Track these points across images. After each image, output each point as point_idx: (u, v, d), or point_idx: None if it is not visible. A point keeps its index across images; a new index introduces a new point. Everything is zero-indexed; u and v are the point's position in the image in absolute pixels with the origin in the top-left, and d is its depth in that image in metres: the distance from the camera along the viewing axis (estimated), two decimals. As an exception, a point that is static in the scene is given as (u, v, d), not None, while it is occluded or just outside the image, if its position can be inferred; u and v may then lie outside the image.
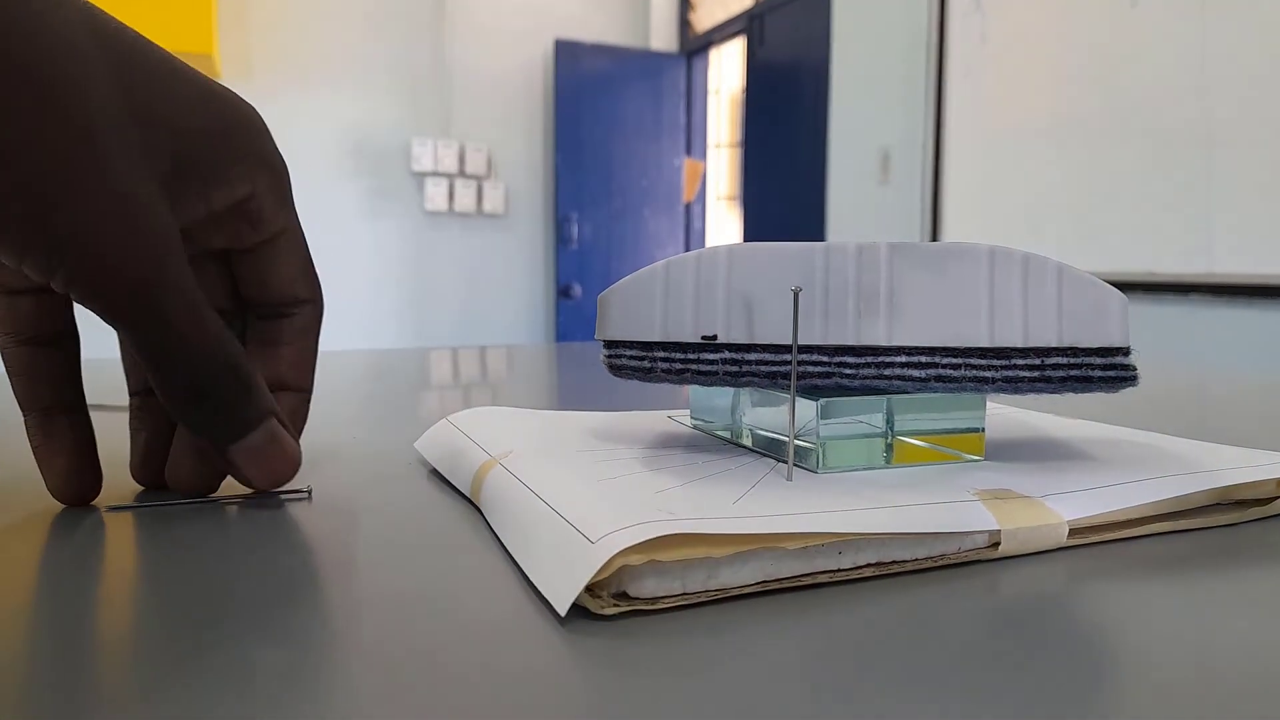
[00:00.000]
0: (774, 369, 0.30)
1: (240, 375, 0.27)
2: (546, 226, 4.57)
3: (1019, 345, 0.29)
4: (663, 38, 4.59)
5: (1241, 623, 0.21)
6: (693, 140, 4.67)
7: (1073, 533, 0.26)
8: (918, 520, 0.24)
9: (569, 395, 0.53)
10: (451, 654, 0.19)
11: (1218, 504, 0.29)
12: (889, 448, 0.31)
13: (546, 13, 4.44)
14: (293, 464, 0.30)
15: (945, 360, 0.29)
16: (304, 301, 0.32)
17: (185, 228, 0.27)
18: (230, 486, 0.32)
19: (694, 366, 0.30)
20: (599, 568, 0.20)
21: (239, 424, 0.28)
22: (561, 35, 4.43)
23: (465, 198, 4.33)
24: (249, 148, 0.28)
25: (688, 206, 4.73)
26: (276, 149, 0.29)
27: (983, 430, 0.32)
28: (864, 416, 0.30)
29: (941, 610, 0.22)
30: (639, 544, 0.21)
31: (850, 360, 0.29)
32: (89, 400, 0.31)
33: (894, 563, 0.24)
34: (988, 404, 0.35)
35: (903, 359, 0.29)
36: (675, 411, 0.42)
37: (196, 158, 0.26)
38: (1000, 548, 0.25)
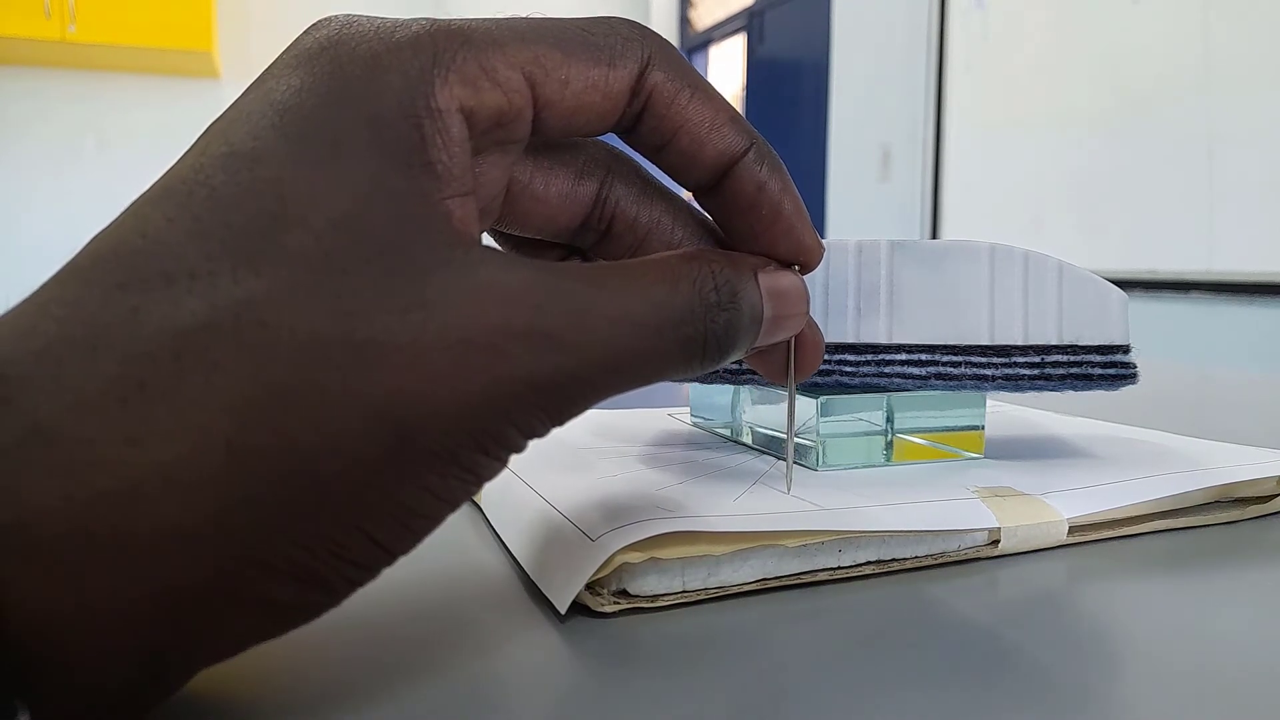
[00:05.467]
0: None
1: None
2: (546, 224, 4.56)
3: (1019, 343, 0.29)
4: (662, 35, 4.58)
5: (1241, 620, 0.21)
6: (693, 138, 4.65)
7: (1072, 530, 0.26)
8: (918, 518, 0.24)
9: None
10: (452, 652, 0.19)
11: (1217, 501, 0.29)
12: (889, 445, 0.31)
13: (545, 12, 4.42)
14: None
15: (945, 358, 0.29)
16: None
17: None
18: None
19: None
20: (599, 565, 0.20)
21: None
22: (561, 33, 4.41)
23: (465, 196, 4.31)
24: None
25: (688, 204, 4.72)
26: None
27: (983, 428, 0.32)
28: (864, 414, 0.30)
29: (942, 607, 0.22)
30: (639, 542, 0.21)
31: (850, 358, 0.29)
32: None
33: (894, 560, 0.24)
34: (987, 401, 0.35)
35: (903, 357, 0.29)
36: (675, 409, 0.42)
37: None
38: (1000, 545, 0.25)
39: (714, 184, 0.20)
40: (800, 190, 0.20)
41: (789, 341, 0.22)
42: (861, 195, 3.10)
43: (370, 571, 0.16)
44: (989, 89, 2.59)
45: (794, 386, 0.23)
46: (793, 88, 3.59)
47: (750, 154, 0.20)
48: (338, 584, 0.15)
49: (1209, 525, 0.28)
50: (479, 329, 0.15)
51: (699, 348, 0.18)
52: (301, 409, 0.14)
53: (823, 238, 0.25)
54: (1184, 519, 0.28)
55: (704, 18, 4.42)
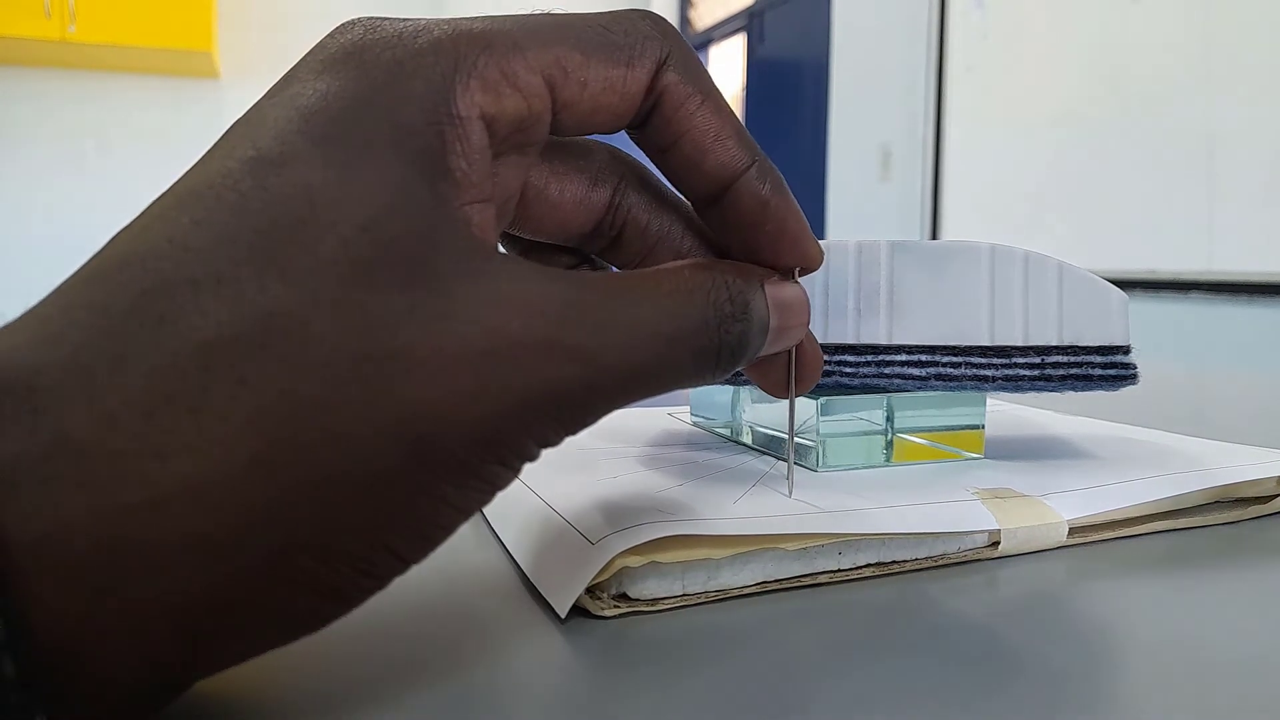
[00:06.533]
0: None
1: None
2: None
3: (1019, 344, 0.29)
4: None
5: (1241, 620, 0.21)
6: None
7: (1072, 531, 0.26)
8: (918, 520, 0.24)
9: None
10: (452, 654, 0.19)
11: (1217, 502, 0.29)
12: (889, 445, 0.31)
13: (545, 9, 4.41)
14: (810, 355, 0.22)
15: (945, 359, 0.29)
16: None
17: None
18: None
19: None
20: (599, 569, 0.20)
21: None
22: (561, 33, 4.40)
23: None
24: None
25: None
26: None
27: (983, 427, 0.32)
28: (864, 414, 0.30)
29: (942, 608, 0.22)
30: (639, 545, 0.21)
31: (850, 359, 0.29)
32: None
33: (894, 563, 0.24)
34: (987, 400, 0.35)
35: (903, 357, 0.29)
36: (675, 409, 0.42)
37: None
38: (1000, 547, 0.25)
39: (714, 199, 0.20)
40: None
41: (789, 355, 0.22)
42: (861, 195, 3.10)
43: (384, 581, 0.16)
44: (989, 89, 2.59)
45: (794, 399, 0.23)
46: (793, 88, 3.59)
47: (753, 170, 0.19)
48: (352, 594, 0.15)
49: (1209, 525, 0.28)
50: (500, 341, 0.15)
51: (713, 358, 0.18)
52: (325, 423, 0.14)
53: (823, 238, 0.25)
54: (1184, 519, 0.28)
55: (704, 18, 4.42)
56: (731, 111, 0.20)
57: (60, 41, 3.24)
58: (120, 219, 3.62)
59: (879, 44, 3.02)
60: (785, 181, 0.20)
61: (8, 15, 3.16)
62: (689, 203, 0.21)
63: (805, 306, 0.21)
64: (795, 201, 0.20)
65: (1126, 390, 0.30)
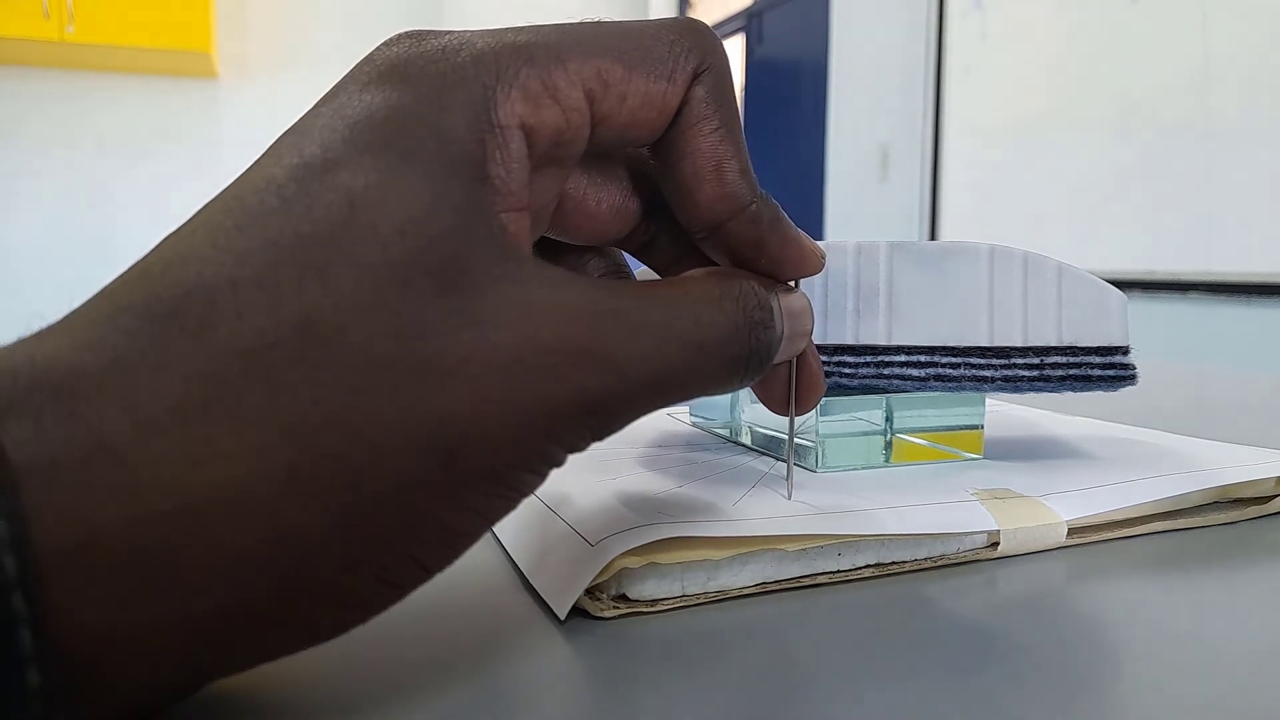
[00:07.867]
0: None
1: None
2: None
3: (1018, 344, 0.29)
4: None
5: (1240, 620, 0.21)
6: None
7: (1072, 532, 0.26)
8: (917, 521, 0.24)
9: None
10: (452, 654, 0.19)
11: (1216, 502, 0.29)
12: (888, 445, 0.31)
13: (545, 13, 4.43)
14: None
15: (944, 359, 0.29)
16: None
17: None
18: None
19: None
20: (599, 571, 0.20)
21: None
22: (560, 33, 4.41)
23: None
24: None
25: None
26: None
27: (982, 427, 0.32)
28: (863, 414, 0.30)
29: (940, 610, 0.22)
30: (639, 546, 0.21)
31: (849, 359, 0.29)
32: None
33: (893, 564, 0.24)
34: (987, 400, 0.35)
35: (902, 358, 0.29)
36: (674, 408, 0.42)
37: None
38: (999, 548, 0.25)
39: (708, 232, 0.20)
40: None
41: (790, 370, 0.22)
42: (861, 196, 3.10)
43: (406, 590, 0.16)
44: (988, 89, 2.59)
45: (794, 404, 0.23)
46: (792, 88, 3.59)
47: (749, 211, 0.19)
48: (374, 603, 0.15)
49: (1208, 525, 0.28)
50: (531, 349, 0.15)
51: (742, 365, 0.19)
52: (358, 432, 0.14)
53: (822, 239, 0.25)
54: (1183, 520, 0.28)
55: (703, 18, 4.41)
56: (744, 148, 0.19)
57: (58, 42, 3.24)
58: (119, 218, 3.62)
59: (877, 44, 3.02)
60: (783, 212, 0.20)
61: (6, 15, 3.16)
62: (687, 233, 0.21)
63: (810, 315, 0.21)
64: (792, 227, 0.20)
65: (1126, 390, 0.30)
